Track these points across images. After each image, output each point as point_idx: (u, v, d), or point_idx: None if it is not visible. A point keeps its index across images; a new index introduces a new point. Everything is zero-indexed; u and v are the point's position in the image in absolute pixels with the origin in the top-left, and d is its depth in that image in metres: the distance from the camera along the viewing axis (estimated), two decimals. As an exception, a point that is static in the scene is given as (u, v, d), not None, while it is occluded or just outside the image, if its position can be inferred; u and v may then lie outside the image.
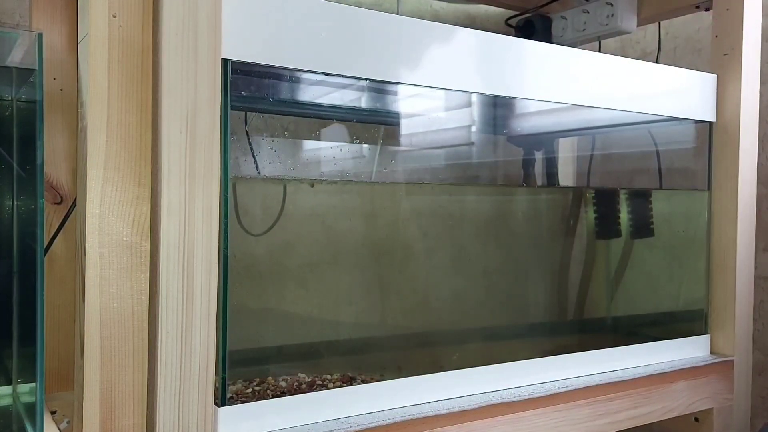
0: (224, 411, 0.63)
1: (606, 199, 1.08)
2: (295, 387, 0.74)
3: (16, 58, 0.64)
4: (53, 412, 0.72)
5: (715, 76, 0.98)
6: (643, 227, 1.08)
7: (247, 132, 0.80)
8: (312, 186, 0.82)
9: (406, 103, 0.82)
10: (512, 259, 1.02)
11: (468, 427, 0.73)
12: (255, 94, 0.69)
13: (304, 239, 0.83)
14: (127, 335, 0.59)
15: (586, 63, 0.86)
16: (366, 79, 0.73)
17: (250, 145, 0.81)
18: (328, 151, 0.85)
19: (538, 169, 1.07)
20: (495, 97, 0.84)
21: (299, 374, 0.77)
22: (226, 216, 0.62)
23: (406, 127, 0.85)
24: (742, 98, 0.96)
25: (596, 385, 0.84)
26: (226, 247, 0.62)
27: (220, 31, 0.60)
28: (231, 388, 0.71)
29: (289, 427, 0.66)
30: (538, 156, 1.06)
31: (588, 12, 1.12)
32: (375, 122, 0.85)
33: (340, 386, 0.73)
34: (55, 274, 0.79)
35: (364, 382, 0.74)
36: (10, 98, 0.68)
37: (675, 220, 1.08)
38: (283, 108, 0.75)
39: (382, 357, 0.87)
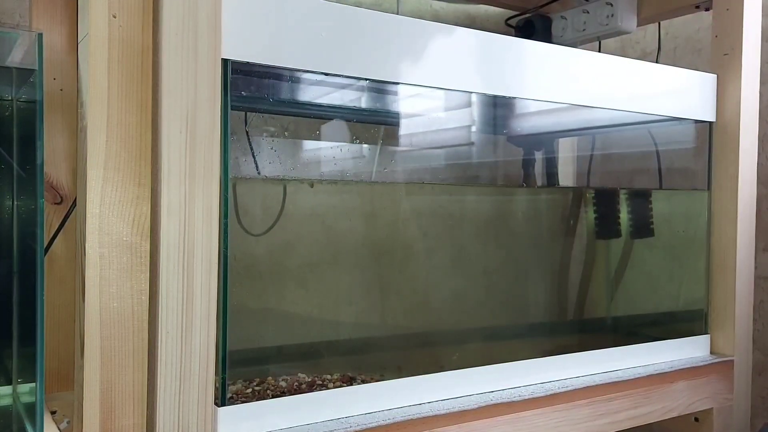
0: (224, 411, 0.63)
1: (606, 199, 1.08)
2: (295, 387, 0.74)
3: (16, 58, 0.64)
4: (53, 412, 0.72)
5: (715, 76, 0.98)
6: (643, 227, 1.08)
7: (247, 132, 0.80)
8: (312, 186, 0.82)
9: (405, 103, 0.82)
10: (512, 259, 1.02)
11: (468, 427, 0.73)
12: (255, 94, 0.69)
13: (304, 239, 0.83)
14: (127, 335, 0.59)
15: (586, 63, 0.86)
16: (366, 79, 0.73)
17: (250, 145, 0.81)
18: (328, 151, 0.85)
19: (538, 169, 1.07)
20: (495, 97, 0.84)
21: (299, 374, 0.77)
22: (226, 216, 0.62)
23: (406, 127, 0.85)
24: (742, 98, 0.96)
25: (596, 385, 0.84)
26: (226, 247, 0.62)
27: (220, 31, 0.60)
28: (231, 388, 0.71)
29: (289, 427, 0.66)
30: (538, 156, 1.06)
31: (588, 12, 1.12)
32: (375, 122, 0.85)
33: (340, 386, 0.73)
34: (55, 274, 0.79)
35: (364, 382, 0.74)
36: (10, 98, 0.68)
37: (675, 220, 1.08)
38: (283, 108, 0.75)
39: (382, 357, 0.87)
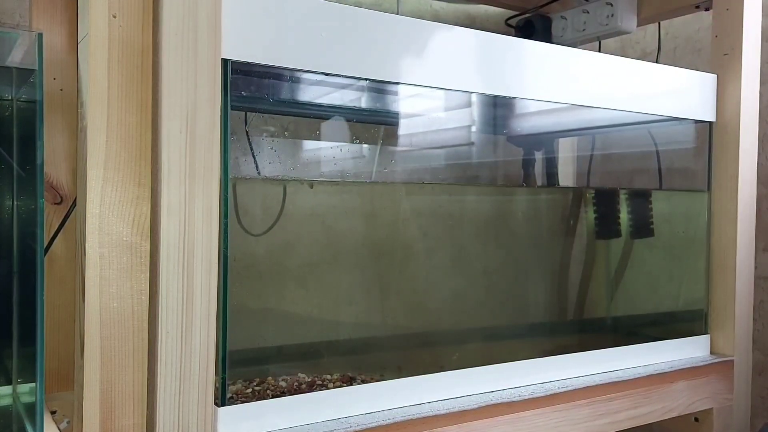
0: (224, 411, 0.63)
1: (606, 199, 1.08)
2: (295, 387, 0.74)
3: (16, 58, 0.64)
4: (53, 412, 0.72)
5: (715, 76, 0.98)
6: (643, 227, 1.08)
7: (247, 132, 0.80)
8: (311, 187, 0.82)
9: (406, 103, 0.82)
10: (512, 259, 1.02)
11: (468, 427, 0.73)
12: (255, 94, 0.69)
13: (304, 239, 0.83)
14: (127, 335, 0.59)
15: (586, 63, 0.86)
16: (366, 79, 0.73)
17: (250, 145, 0.81)
18: (328, 151, 0.85)
19: (538, 169, 1.07)
20: (495, 97, 0.84)
21: (299, 374, 0.77)
22: (226, 216, 0.62)
23: (405, 127, 0.85)
24: (742, 98, 0.96)
25: (596, 385, 0.84)
26: (226, 247, 0.62)
27: (220, 31, 0.60)
28: (231, 388, 0.71)
29: (289, 427, 0.66)
30: (538, 156, 1.06)
31: (588, 12, 1.12)
32: (375, 122, 0.85)
33: (340, 386, 0.73)
34: (55, 274, 0.79)
35: (364, 382, 0.74)
36: (10, 98, 0.68)
37: (675, 220, 1.08)
38: (283, 108, 0.75)
39: (382, 357, 0.87)
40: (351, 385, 0.73)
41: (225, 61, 0.61)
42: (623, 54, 1.41)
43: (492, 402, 0.75)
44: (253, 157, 0.82)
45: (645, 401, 0.88)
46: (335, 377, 0.77)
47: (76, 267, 0.62)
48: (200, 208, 0.59)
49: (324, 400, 0.68)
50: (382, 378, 0.75)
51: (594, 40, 1.17)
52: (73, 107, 0.80)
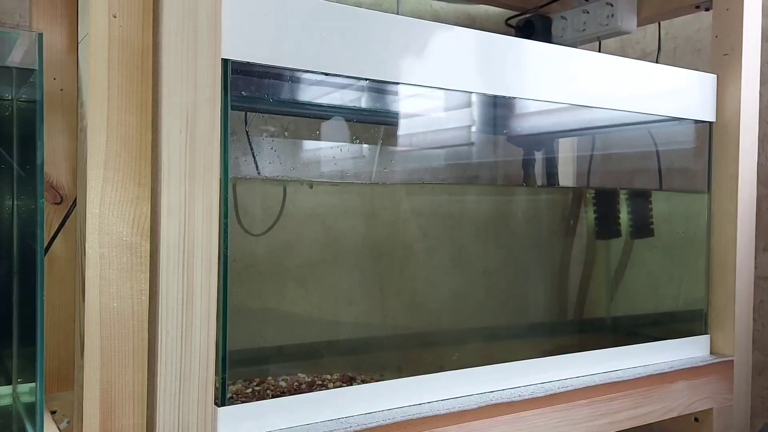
0: (224, 411, 0.63)
1: (606, 199, 1.08)
2: (295, 387, 0.74)
3: (16, 58, 0.64)
4: (53, 412, 0.72)
5: (715, 76, 0.98)
6: (643, 227, 1.08)
7: (247, 132, 0.80)
8: (311, 188, 0.82)
9: (406, 103, 0.82)
10: (512, 259, 1.02)
11: (468, 427, 0.73)
12: (255, 94, 0.69)
13: (304, 239, 0.83)
14: (127, 335, 0.59)
15: (586, 63, 0.86)
16: (366, 79, 0.73)
17: (250, 145, 0.81)
18: (328, 151, 0.85)
19: (538, 169, 1.07)
20: (495, 97, 0.84)
21: (299, 374, 0.77)
22: (226, 216, 0.62)
23: (406, 127, 0.85)
24: (742, 98, 0.96)
25: (596, 385, 0.84)
26: (226, 247, 0.62)
27: (220, 31, 0.60)
28: (231, 388, 0.71)
29: (289, 427, 0.66)
30: (538, 156, 1.06)
31: (588, 12, 1.12)
32: (375, 122, 0.85)
33: (340, 386, 0.73)
34: (55, 274, 0.79)
35: (364, 382, 0.74)
36: (10, 98, 0.68)
37: (675, 220, 1.08)
38: (283, 108, 0.75)
39: (382, 357, 0.87)
40: (351, 385, 0.73)
41: (225, 61, 0.61)
42: (623, 54, 1.41)
43: (492, 402, 0.75)
44: (253, 157, 0.82)
45: (645, 401, 0.88)
46: (335, 377, 0.77)
47: (76, 267, 0.62)
48: (200, 208, 0.59)
49: (324, 400, 0.68)
50: (382, 378, 0.75)
51: (594, 40, 1.17)
52: (73, 107, 0.80)
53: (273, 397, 0.69)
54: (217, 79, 0.60)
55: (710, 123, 0.99)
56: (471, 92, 0.83)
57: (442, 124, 0.89)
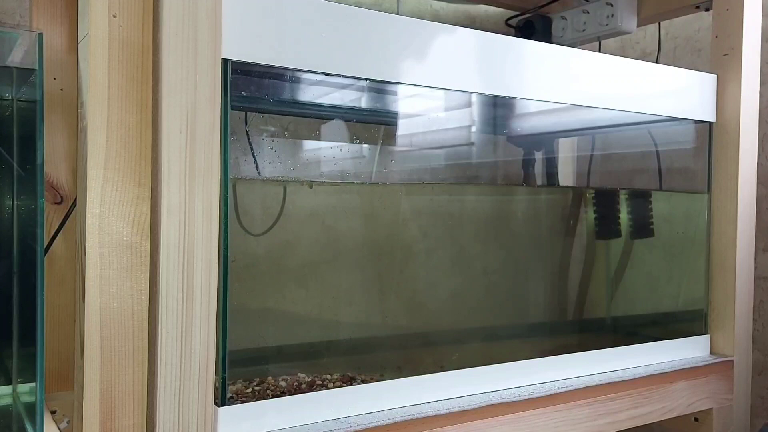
0: (224, 411, 0.63)
1: (606, 200, 1.08)
2: (295, 387, 0.74)
3: (16, 58, 0.64)
4: (53, 412, 0.72)
5: (715, 76, 0.98)
6: (642, 227, 1.08)
7: (247, 132, 0.80)
8: (311, 187, 0.82)
9: (406, 103, 0.82)
10: (512, 259, 1.02)
11: (468, 427, 0.73)
12: (255, 94, 0.69)
13: (304, 239, 0.83)
14: (127, 335, 0.59)
15: (586, 63, 0.86)
16: (366, 79, 0.73)
17: (251, 145, 0.81)
18: (328, 151, 0.85)
19: (538, 169, 1.07)
20: (495, 97, 0.84)
21: (299, 374, 0.77)
22: (226, 216, 0.62)
23: (406, 127, 0.85)
24: (742, 98, 0.96)
25: (596, 385, 0.84)
26: (226, 247, 0.62)
27: (220, 31, 0.60)
28: (231, 388, 0.71)
29: (289, 427, 0.66)
30: (538, 156, 1.06)
31: (588, 12, 1.12)
32: (375, 122, 0.85)
33: (340, 386, 0.73)
34: (55, 274, 0.79)
35: (364, 382, 0.74)
36: (10, 98, 0.68)
37: (675, 220, 1.08)
38: (284, 108, 0.75)
39: (382, 357, 0.87)
40: (351, 385, 0.73)
41: (225, 61, 0.61)
42: (623, 54, 1.41)
43: (492, 402, 0.75)
44: (253, 157, 0.82)
45: (645, 401, 0.88)
46: (335, 377, 0.77)
47: (76, 267, 0.62)
48: (200, 208, 0.59)
49: (324, 400, 0.68)
50: (382, 378, 0.75)
51: (594, 40, 1.17)
52: (73, 107, 0.80)
53: (273, 397, 0.69)
54: (217, 79, 0.60)
55: (710, 123, 0.99)
56: (471, 92, 0.83)
57: (442, 124, 0.89)
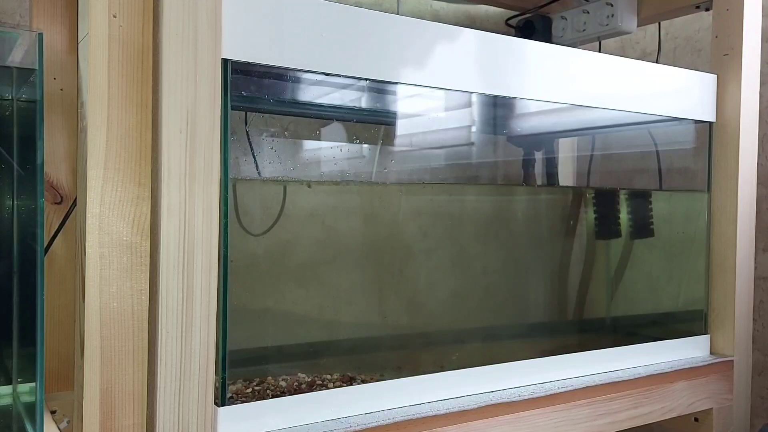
0: (224, 411, 0.63)
1: (606, 200, 1.08)
2: (295, 387, 0.74)
3: (16, 58, 0.64)
4: (53, 412, 0.72)
5: (715, 76, 0.98)
6: (642, 227, 1.08)
7: (247, 132, 0.80)
8: (309, 186, 0.82)
9: (405, 103, 0.82)
10: (512, 259, 1.02)
11: (468, 427, 0.73)
12: (255, 94, 0.69)
13: (304, 239, 0.83)
14: (127, 335, 0.59)
15: (586, 63, 0.86)
16: (366, 79, 0.73)
17: (251, 145, 0.81)
18: (328, 151, 0.85)
19: (538, 169, 1.07)
20: (495, 97, 0.84)
21: (299, 374, 0.77)
22: (226, 216, 0.62)
23: (406, 127, 0.85)
24: (742, 98, 0.96)
25: (596, 385, 0.84)
26: (226, 247, 0.62)
27: (220, 31, 0.60)
28: (231, 388, 0.71)
29: (289, 426, 0.66)
30: (538, 156, 1.06)
31: (588, 12, 1.12)
32: (375, 122, 0.85)
33: (340, 386, 0.73)
34: (55, 274, 0.79)
35: (364, 382, 0.74)
36: (10, 98, 0.68)
37: (675, 220, 1.08)
38: (284, 108, 0.75)
39: (382, 357, 0.87)
40: (351, 385, 0.73)
41: (225, 61, 0.61)
42: (623, 54, 1.41)
43: (492, 402, 0.75)
44: (253, 157, 0.82)
45: (645, 401, 0.88)
46: (335, 377, 0.77)
47: (76, 267, 0.62)
48: (200, 208, 0.59)
49: (324, 400, 0.68)
50: (382, 378, 0.75)
51: (594, 40, 1.17)
52: (73, 107, 0.80)
53: (273, 397, 0.69)
54: (217, 79, 0.60)
55: (710, 123, 0.99)
56: (471, 92, 0.83)
57: (442, 124, 0.89)
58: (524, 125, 0.96)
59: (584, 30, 1.13)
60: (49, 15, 0.79)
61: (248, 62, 0.63)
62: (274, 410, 0.65)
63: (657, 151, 1.10)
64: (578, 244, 1.09)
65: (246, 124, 0.80)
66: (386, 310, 0.89)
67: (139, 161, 0.59)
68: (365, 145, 0.88)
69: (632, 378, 0.87)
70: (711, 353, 0.99)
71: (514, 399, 0.77)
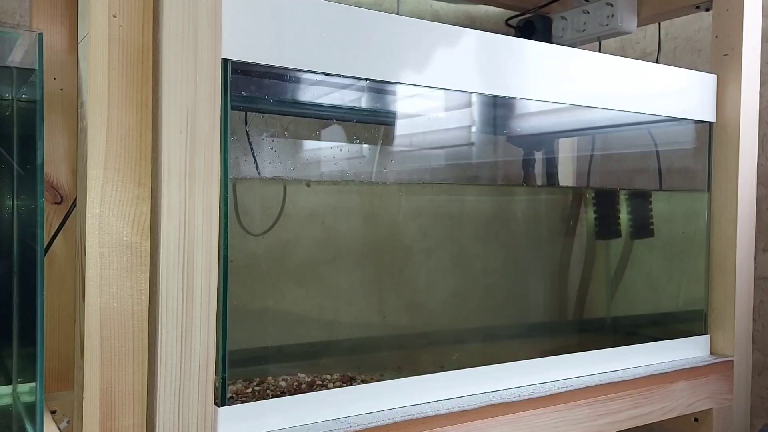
0: (224, 411, 0.63)
1: (606, 200, 1.08)
2: (294, 387, 0.74)
3: (16, 58, 0.64)
4: (53, 412, 0.72)
5: (715, 76, 0.98)
6: (642, 227, 1.08)
7: (247, 132, 0.80)
8: (308, 186, 0.82)
9: (405, 103, 0.82)
10: (512, 259, 1.02)
11: (468, 427, 0.73)
12: (255, 94, 0.69)
13: (304, 239, 0.83)
14: (127, 335, 0.59)
15: (586, 63, 0.86)
16: (366, 79, 0.73)
17: (251, 145, 0.81)
18: (328, 151, 0.85)
19: (538, 169, 1.07)
20: (495, 97, 0.84)
21: (299, 374, 0.77)
22: (226, 216, 0.62)
23: (406, 127, 0.85)
24: (742, 98, 0.96)
25: (596, 385, 0.84)
26: (226, 247, 0.62)
27: (220, 31, 0.60)
28: (231, 388, 0.71)
29: (289, 427, 0.66)
30: (538, 156, 1.06)
31: (588, 12, 1.12)
32: (375, 122, 0.85)
33: (340, 386, 0.73)
34: (55, 274, 0.79)
35: (364, 382, 0.74)
36: (10, 98, 0.68)
37: (675, 220, 1.08)
38: (284, 108, 0.75)
39: (382, 357, 0.87)
40: (351, 385, 0.73)
41: (225, 61, 0.61)
42: (623, 54, 1.41)
43: (492, 402, 0.75)
44: (253, 157, 0.82)
45: (645, 401, 0.88)
46: (335, 377, 0.77)
47: (76, 267, 0.62)
48: (200, 208, 0.59)
49: (324, 400, 0.68)
50: (382, 378, 0.75)
51: (594, 40, 1.17)
52: (73, 107, 0.80)
53: (273, 397, 0.69)
54: (217, 79, 0.60)
55: (710, 123, 0.99)
56: (471, 92, 0.83)
57: (442, 124, 0.89)
58: (524, 125, 0.96)
59: (584, 30, 1.13)
60: (49, 15, 0.80)
61: (248, 62, 0.63)
62: (274, 410, 0.65)
63: (657, 151, 1.10)
64: (578, 244, 1.09)
65: (246, 124, 0.80)
66: (386, 310, 0.89)
67: (139, 161, 0.59)
68: (365, 145, 0.88)
69: (632, 378, 0.87)
70: (711, 353, 0.99)
71: (514, 399, 0.77)
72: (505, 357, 0.81)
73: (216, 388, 0.62)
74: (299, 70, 0.69)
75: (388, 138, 0.86)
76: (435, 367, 0.77)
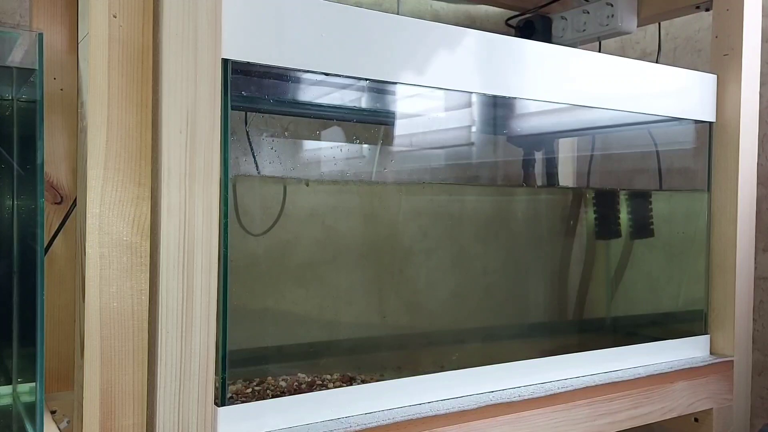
0: (224, 411, 0.63)
1: (606, 200, 1.08)
2: (294, 387, 0.74)
3: (16, 58, 0.64)
4: (53, 412, 0.72)
5: (715, 76, 0.98)
6: (642, 227, 1.08)
7: (247, 132, 0.80)
8: (307, 185, 0.82)
9: (405, 103, 0.82)
10: (512, 259, 1.02)
11: (468, 427, 0.73)
12: (255, 94, 0.69)
13: (304, 239, 0.83)
14: (127, 335, 0.59)
15: (586, 63, 0.86)
16: (366, 79, 0.73)
17: (251, 145, 0.81)
18: (328, 151, 0.85)
19: (538, 169, 1.07)
20: (495, 97, 0.84)
21: (299, 374, 0.77)
22: (226, 216, 0.62)
23: (406, 127, 0.85)
24: (742, 98, 0.96)
25: (596, 385, 0.84)
26: (226, 247, 0.62)
27: (220, 31, 0.60)
28: (231, 388, 0.71)
29: (289, 427, 0.66)
30: (538, 156, 1.06)
31: (588, 12, 1.12)
32: (375, 122, 0.85)
33: (340, 386, 0.73)
34: (55, 274, 0.79)
35: (364, 382, 0.74)
36: (10, 98, 0.68)
37: (675, 220, 1.08)
38: (284, 108, 0.75)
39: (382, 357, 0.87)
40: (351, 385, 0.73)
41: (225, 61, 0.61)
42: (623, 54, 1.41)
43: (492, 402, 0.75)
44: (253, 157, 0.82)
45: (645, 401, 0.88)
46: (335, 377, 0.77)
47: (76, 267, 0.62)
48: (200, 208, 0.59)
49: (324, 400, 0.68)
50: (382, 378, 0.75)
51: (594, 40, 1.17)
52: (73, 107, 0.81)
53: (273, 397, 0.69)
54: (217, 79, 0.60)
55: (710, 123, 0.99)
56: (471, 92, 0.83)
57: (442, 124, 0.89)
58: (524, 125, 0.96)
59: (584, 30, 1.13)
60: (49, 15, 0.80)
61: (248, 62, 0.63)
62: (274, 410, 0.65)
63: (657, 151, 1.10)
64: (578, 245, 1.09)
65: (246, 124, 0.80)
66: (386, 310, 0.89)
67: (139, 161, 0.59)
68: (365, 145, 0.88)
69: (632, 378, 0.87)
70: (711, 353, 0.99)
71: (514, 399, 0.77)
72: (505, 357, 0.81)
73: (216, 388, 0.62)
74: (299, 70, 0.69)
75: (388, 138, 0.86)
76: (435, 367, 0.77)
